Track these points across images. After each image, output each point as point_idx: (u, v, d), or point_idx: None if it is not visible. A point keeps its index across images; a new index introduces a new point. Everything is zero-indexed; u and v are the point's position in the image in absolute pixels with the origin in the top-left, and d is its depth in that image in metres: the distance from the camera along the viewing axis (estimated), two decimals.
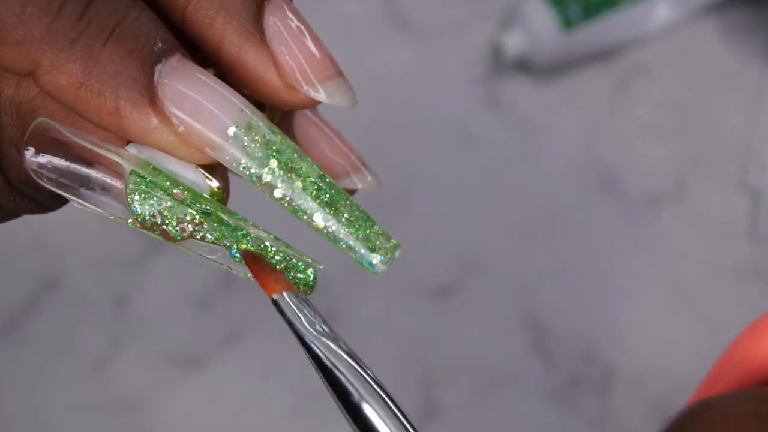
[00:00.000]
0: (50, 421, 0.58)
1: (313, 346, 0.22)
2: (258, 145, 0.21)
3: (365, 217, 0.23)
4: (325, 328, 0.23)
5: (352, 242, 0.23)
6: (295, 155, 0.22)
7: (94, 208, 0.22)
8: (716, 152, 0.67)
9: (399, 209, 0.64)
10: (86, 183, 0.22)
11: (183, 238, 0.23)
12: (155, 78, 0.21)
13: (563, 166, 0.67)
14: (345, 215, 0.22)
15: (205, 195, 0.23)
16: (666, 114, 0.69)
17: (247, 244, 0.24)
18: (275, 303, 0.23)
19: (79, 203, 0.23)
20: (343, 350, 0.22)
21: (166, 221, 0.22)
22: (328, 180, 0.22)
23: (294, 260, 0.24)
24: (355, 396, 0.22)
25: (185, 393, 0.59)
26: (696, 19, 0.71)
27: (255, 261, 0.24)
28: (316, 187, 0.22)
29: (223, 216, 0.23)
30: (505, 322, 0.61)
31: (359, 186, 0.26)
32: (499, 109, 0.68)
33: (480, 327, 0.62)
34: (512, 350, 0.61)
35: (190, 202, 0.23)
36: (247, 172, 0.22)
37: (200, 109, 0.21)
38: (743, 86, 0.69)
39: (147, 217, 0.22)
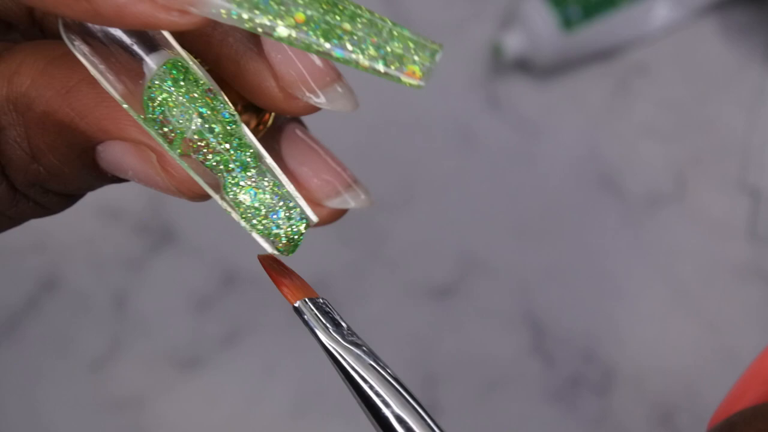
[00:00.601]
0: (50, 421, 0.58)
1: (337, 355, 0.22)
2: None
3: (391, 25, 0.20)
4: (349, 334, 0.22)
5: (380, 63, 0.20)
6: None
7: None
8: (716, 152, 0.67)
9: (399, 209, 0.64)
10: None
11: (188, 149, 0.22)
12: None
13: (563, 166, 0.67)
14: (362, 32, 0.20)
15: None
16: (666, 114, 0.69)
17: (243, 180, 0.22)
18: (297, 310, 0.23)
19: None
20: (368, 357, 0.22)
21: (175, 125, 0.22)
22: None
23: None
24: (381, 405, 0.22)
25: (185, 393, 0.59)
26: (696, 19, 0.71)
27: (275, 267, 0.23)
28: (324, 9, 0.19)
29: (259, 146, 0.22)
30: (505, 322, 0.61)
31: (352, 205, 0.25)
32: (499, 109, 0.68)
33: (480, 327, 0.62)
34: (512, 350, 0.61)
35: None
36: (240, 19, 0.19)
37: None
38: (743, 86, 0.69)
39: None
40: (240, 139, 0.22)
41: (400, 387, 0.22)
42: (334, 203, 0.25)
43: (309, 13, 0.19)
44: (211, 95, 0.22)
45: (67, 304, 0.60)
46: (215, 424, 0.59)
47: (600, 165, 0.66)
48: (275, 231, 0.23)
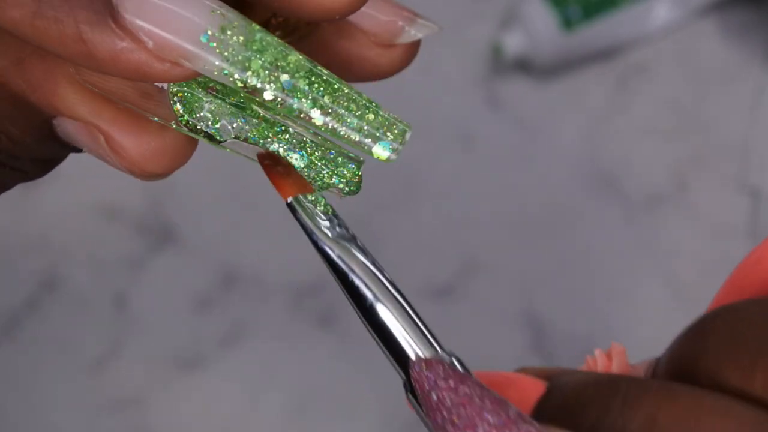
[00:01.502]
0: (50, 421, 0.58)
1: (327, 249, 0.22)
2: (236, 46, 0.20)
3: (368, 103, 0.21)
4: (343, 230, 0.22)
5: (354, 134, 0.21)
6: (280, 50, 0.20)
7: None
8: (716, 152, 0.67)
9: (399, 209, 0.64)
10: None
11: (225, 140, 0.22)
12: None
13: (563, 165, 0.67)
14: (344, 105, 0.21)
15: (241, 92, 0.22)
16: (666, 114, 0.69)
17: (286, 143, 0.22)
18: (290, 206, 0.22)
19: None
20: (358, 252, 0.22)
21: (209, 122, 0.22)
22: (320, 69, 0.20)
23: (336, 156, 0.23)
24: (370, 298, 0.21)
25: (185, 393, 0.59)
26: (696, 18, 0.71)
27: (269, 162, 0.23)
28: (307, 81, 0.20)
29: (259, 110, 0.22)
30: (505, 321, 0.61)
31: (420, 35, 0.24)
32: (499, 109, 0.68)
33: (480, 327, 0.62)
34: (512, 350, 0.61)
35: (223, 95, 0.22)
36: (231, 79, 0.20)
37: (166, 17, 0.19)
38: (743, 86, 0.69)
39: (190, 120, 0.21)
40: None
41: (394, 290, 0.22)
42: (404, 38, 0.24)
43: (296, 78, 0.20)
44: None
45: (68, 304, 0.60)
46: (215, 424, 0.59)
47: (600, 165, 0.66)
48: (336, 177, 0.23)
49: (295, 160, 0.23)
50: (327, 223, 0.22)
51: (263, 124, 0.22)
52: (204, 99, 0.22)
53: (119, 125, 0.22)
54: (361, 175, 0.23)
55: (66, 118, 0.22)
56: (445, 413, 0.19)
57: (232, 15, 0.20)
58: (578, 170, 0.66)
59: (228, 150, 0.22)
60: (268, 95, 0.20)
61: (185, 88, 0.21)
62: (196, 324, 0.60)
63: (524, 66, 0.68)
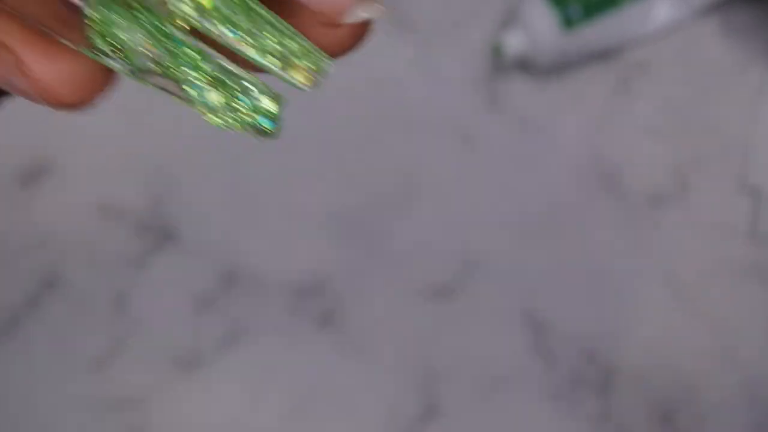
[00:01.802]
0: (50, 421, 0.58)
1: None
2: None
3: (288, 29, 0.20)
4: None
5: (270, 57, 0.20)
6: None
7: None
8: (717, 152, 0.67)
9: (399, 209, 0.64)
10: None
11: (141, 69, 0.21)
12: None
13: (563, 165, 0.67)
14: (261, 26, 0.20)
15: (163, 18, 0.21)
16: (667, 114, 0.69)
17: (205, 76, 0.21)
18: None
19: None
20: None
21: (124, 47, 0.20)
22: None
23: (252, 87, 0.21)
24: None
25: (185, 393, 0.59)
26: (697, 18, 0.71)
27: None
28: (229, 3, 0.20)
29: (178, 35, 0.21)
30: (505, 322, 0.61)
31: (365, 15, 0.23)
32: (499, 109, 0.68)
33: (480, 327, 0.62)
34: (512, 350, 0.61)
35: (140, 15, 0.20)
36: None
37: None
38: (744, 86, 0.69)
39: (103, 45, 0.20)
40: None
41: None
42: (350, 18, 0.23)
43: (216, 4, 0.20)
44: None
45: (68, 304, 0.60)
46: (215, 424, 0.59)
47: (600, 165, 0.66)
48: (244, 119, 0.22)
49: (214, 96, 0.21)
50: None
51: (182, 54, 0.21)
52: (121, 24, 0.20)
53: (31, 47, 0.20)
54: (279, 109, 0.22)
55: None
56: None
57: None
58: (579, 170, 0.66)
59: (149, 85, 0.21)
60: (185, 8, 0.19)
61: (101, 8, 0.20)
62: (196, 324, 0.60)
63: (524, 66, 0.68)
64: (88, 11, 0.20)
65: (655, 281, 0.63)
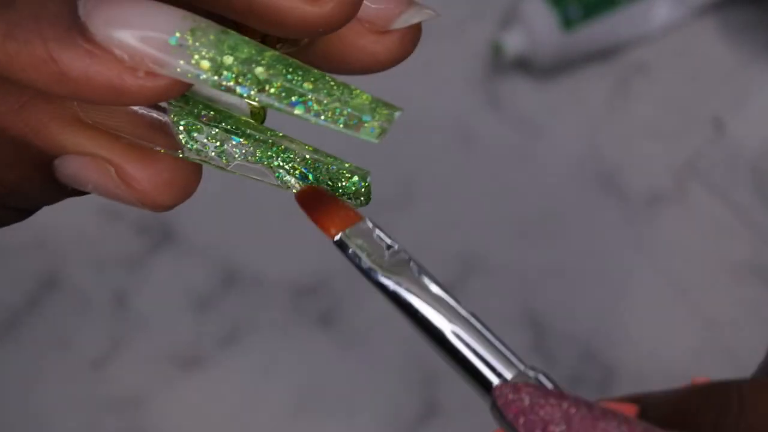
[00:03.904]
0: (50, 421, 0.58)
1: (386, 283, 0.21)
2: (207, 46, 0.19)
3: (350, 89, 0.20)
4: (395, 259, 0.21)
5: (341, 117, 0.20)
6: (254, 46, 0.20)
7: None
8: (716, 152, 0.67)
9: (399, 209, 0.64)
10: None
11: (231, 163, 0.22)
12: (80, 11, 0.19)
13: (563, 166, 0.67)
14: (326, 90, 0.20)
15: (238, 116, 0.22)
16: (666, 113, 0.69)
17: (290, 160, 0.22)
18: (338, 243, 0.21)
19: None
20: (418, 277, 0.21)
21: (215, 147, 0.22)
22: (294, 61, 0.20)
23: (338, 170, 0.23)
24: (440, 327, 0.20)
25: (185, 393, 0.59)
26: (696, 18, 0.71)
27: (309, 197, 0.22)
28: (285, 70, 0.20)
29: (254, 132, 0.22)
30: (505, 321, 0.61)
31: (416, 19, 0.24)
32: (499, 109, 0.68)
33: None
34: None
35: (216, 122, 0.22)
36: (203, 77, 0.19)
37: (135, 25, 0.19)
38: (744, 86, 0.69)
39: (197, 147, 0.22)
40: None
41: (464, 311, 0.20)
42: (399, 24, 0.23)
43: (271, 72, 0.20)
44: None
45: (68, 304, 0.60)
46: (215, 423, 0.59)
47: (600, 164, 0.66)
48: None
49: (302, 176, 0.23)
50: (378, 252, 0.21)
51: (262, 145, 0.22)
52: (204, 126, 0.22)
53: (129, 157, 0.21)
54: (368, 185, 0.23)
55: (71, 155, 0.21)
56: (554, 430, 0.18)
57: (203, 19, 0.19)
58: (578, 170, 0.66)
59: (237, 174, 0.22)
60: (243, 90, 0.20)
61: (185, 117, 0.22)
62: (196, 324, 0.60)
63: (524, 66, 0.68)
64: (176, 118, 0.22)
65: (655, 281, 0.63)
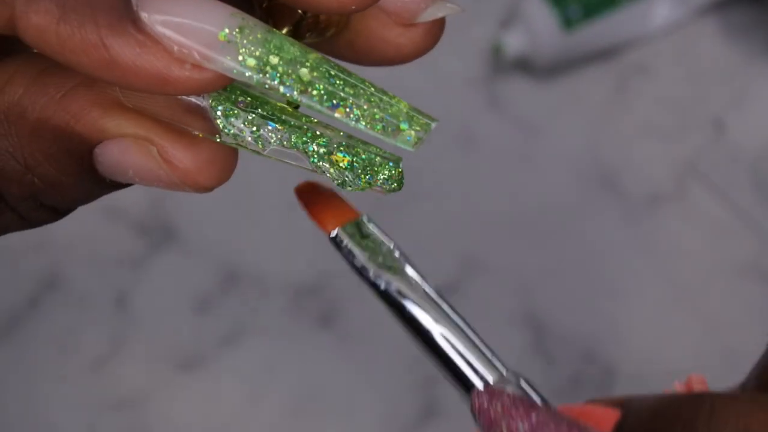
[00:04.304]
0: (50, 421, 0.58)
1: (376, 281, 0.21)
2: (255, 44, 0.20)
3: (389, 97, 0.21)
4: (389, 258, 0.21)
5: (379, 123, 0.21)
6: (299, 48, 0.20)
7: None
8: (716, 152, 0.67)
9: (399, 209, 0.64)
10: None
11: (267, 148, 0.22)
12: (134, 1, 0.20)
13: (563, 166, 0.67)
14: (366, 96, 0.21)
15: (274, 102, 0.22)
16: (666, 113, 0.69)
17: (326, 144, 0.23)
18: (334, 240, 0.21)
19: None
20: (410, 277, 0.21)
21: (252, 131, 0.22)
22: (337, 65, 0.21)
23: (373, 155, 0.23)
24: (427, 327, 0.21)
25: (185, 393, 0.59)
26: (696, 18, 0.71)
27: (308, 193, 0.22)
28: (328, 73, 0.21)
29: (289, 118, 0.22)
30: (505, 321, 0.61)
31: (441, 14, 0.25)
32: (499, 109, 0.68)
33: (480, 327, 0.61)
34: (512, 350, 0.61)
35: (252, 108, 0.22)
36: (249, 74, 0.20)
37: (186, 18, 0.20)
38: (744, 86, 0.69)
39: (234, 131, 0.22)
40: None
41: (452, 312, 0.21)
42: (425, 17, 0.24)
43: (315, 74, 0.21)
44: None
45: (68, 304, 0.60)
46: (215, 423, 0.59)
47: (600, 165, 0.66)
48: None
49: (340, 160, 0.23)
50: (372, 251, 0.21)
51: (297, 131, 0.23)
52: (241, 112, 0.22)
53: (170, 137, 0.22)
54: (401, 170, 0.23)
55: (113, 141, 0.22)
56: None
57: (251, 18, 0.20)
58: (578, 170, 0.66)
59: (273, 158, 0.23)
60: (287, 91, 0.20)
61: (223, 102, 0.22)
62: (196, 324, 0.60)
63: (524, 66, 0.68)
64: (214, 102, 0.22)
65: (655, 281, 0.63)
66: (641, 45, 0.70)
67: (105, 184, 0.23)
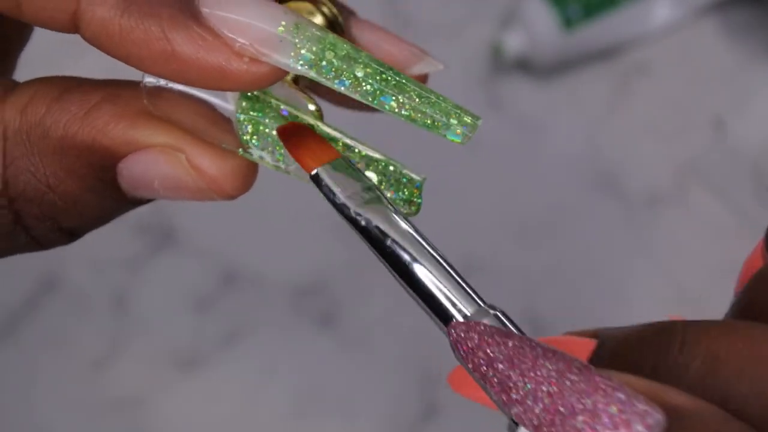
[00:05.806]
0: (50, 421, 0.58)
1: (356, 217, 0.22)
2: (310, 40, 0.21)
3: (437, 94, 0.22)
4: (368, 192, 0.22)
5: (429, 118, 0.22)
6: (350, 47, 0.21)
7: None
8: (717, 152, 0.67)
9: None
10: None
11: (290, 165, 0.23)
12: None
13: (563, 165, 0.67)
14: (416, 93, 0.22)
15: (303, 116, 0.23)
16: (666, 113, 0.69)
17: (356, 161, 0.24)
18: (314, 178, 0.22)
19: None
20: (389, 213, 0.22)
21: (276, 148, 0.23)
22: (388, 66, 0.22)
23: (399, 173, 0.24)
24: (406, 259, 0.21)
25: (185, 393, 0.59)
26: (697, 18, 0.71)
27: (289, 132, 0.23)
28: (380, 71, 0.21)
29: (329, 130, 0.23)
30: None
31: (430, 69, 0.27)
32: (499, 109, 0.68)
33: None
34: None
35: (296, 116, 0.23)
36: (305, 68, 0.21)
37: (246, 15, 0.20)
38: (744, 86, 0.69)
39: (259, 146, 0.23)
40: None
41: (429, 248, 0.21)
42: (418, 69, 0.26)
43: (368, 71, 0.22)
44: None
45: (67, 304, 0.60)
46: (215, 424, 0.59)
47: (600, 164, 0.66)
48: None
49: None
50: (353, 189, 0.22)
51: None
52: (268, 125, 0.23)
53: (200, 146, 0.23)
54: (420, 191, 0.25)
55: (140, 151, 0.22)
56: (498, 367, 0.19)
57: (302, 16, 0.21)
58: (578, 170, 0.66)
59: (291, 175, 0.24)
60: (340, 85, 0.21)
61: (251, 119, 0.23)
62: (196, 324, 0.60)
63: (524, 66, 0.68)
64: (242, 116, 0.23)
65: (655, 281, 0.63)
66: (641, 45, 0.70)
67: (125, 201, 0.24)
